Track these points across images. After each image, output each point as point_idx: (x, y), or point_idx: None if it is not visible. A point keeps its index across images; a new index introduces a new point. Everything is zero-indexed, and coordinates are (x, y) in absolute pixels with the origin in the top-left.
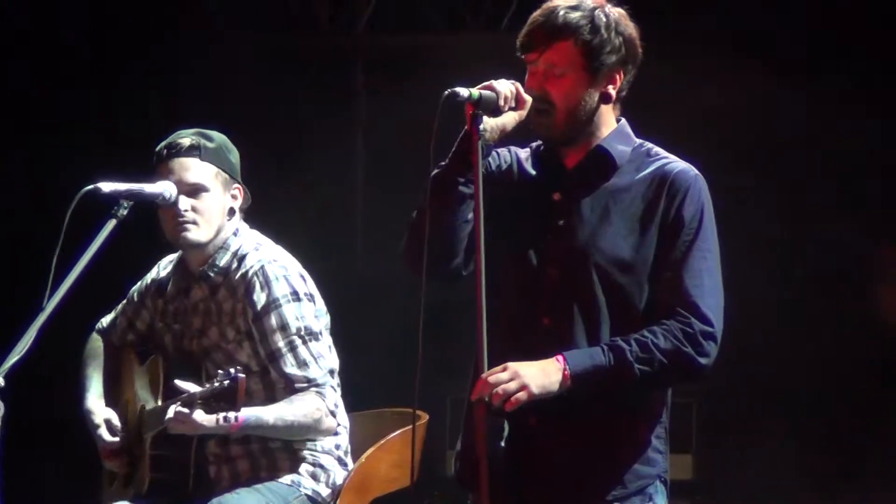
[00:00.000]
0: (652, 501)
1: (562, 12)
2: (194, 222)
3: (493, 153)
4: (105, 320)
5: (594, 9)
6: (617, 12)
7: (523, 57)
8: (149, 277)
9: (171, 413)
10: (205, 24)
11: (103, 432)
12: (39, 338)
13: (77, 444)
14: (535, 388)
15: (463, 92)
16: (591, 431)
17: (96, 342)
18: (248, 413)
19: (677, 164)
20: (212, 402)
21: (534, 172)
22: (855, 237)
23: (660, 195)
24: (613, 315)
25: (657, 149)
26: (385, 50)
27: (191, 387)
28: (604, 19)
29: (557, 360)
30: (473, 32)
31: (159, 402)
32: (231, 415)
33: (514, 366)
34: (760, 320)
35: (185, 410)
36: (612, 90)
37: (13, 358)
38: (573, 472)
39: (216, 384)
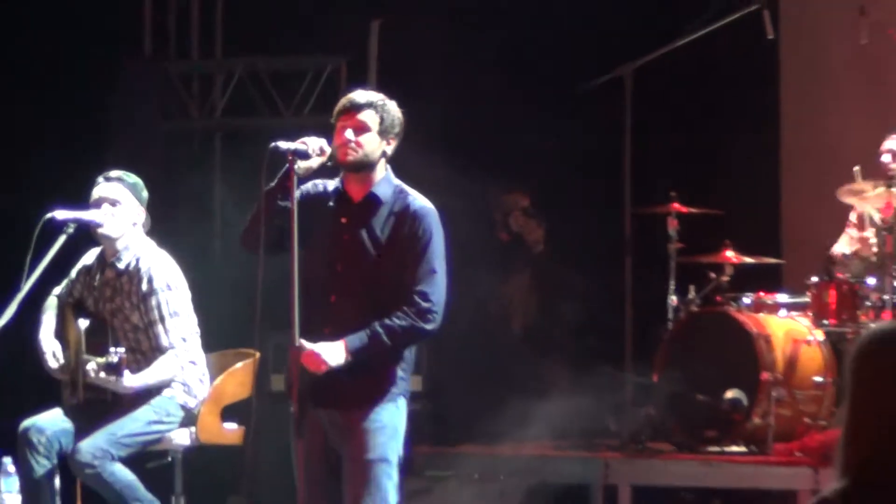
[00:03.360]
0: (397, 407)
1: (368, 93)
2: (112, 223)
3: (314, 184)
4: (58, 288)
5: (381, 98)
6: (388, 101)
7: (337, 120)
8: (80, 263)
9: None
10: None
11: (49, 358)
12: (18, 310)
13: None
14: (333, 364)
15: (283, 145)
16: (361, 368)
17: (52, 300)
18: (137, 382)
19: (419, 201)
20: (108, 370)
21: (332, 201)
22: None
23: (404, 222)
24: (375, 294)
25: (407, 188)
26: (235, 127)
27: (96, 359)
28: (389, 105)
29: (343, 343)
30: (287, 118)
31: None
32: (119, 383)
33: (318, 349)
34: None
35: (94, 374)
36: (388, 150)
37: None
38: (346, 389)
39: (108, 359)
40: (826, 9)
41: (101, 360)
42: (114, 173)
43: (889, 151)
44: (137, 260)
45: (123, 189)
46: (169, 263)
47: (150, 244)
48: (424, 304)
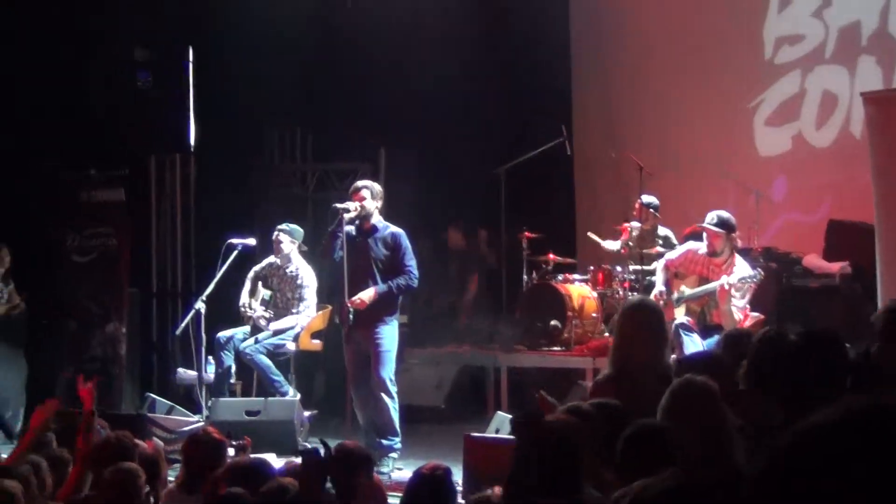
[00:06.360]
0: (392, 326)
1: (364, 181)
2: (283, 250)
3: (350, 227)
4: (256, 267)
5: (371, 183)
6: (375, 184)
7: (351, 195)
8: (267, 261)
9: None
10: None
11: (245, 302)
12: (215, 286)
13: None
14: (367, 300)
15: (339, 205)
16: (375, 307)
17: (252, 273)
18: (278, 326)
19: (394, 228)
20: (273, 318)
21: (356, 233)
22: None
23: (388, 239)
24: (382, 277)
25: (389, 224)
26: (317, 196)
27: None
28: (375, 185)
29: (374, 289)
30: (340, 191)
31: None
32: (268, 324)
33: (360, 294)
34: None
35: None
36: (377, 207)
37: (206, 291)
38: (369, 318)
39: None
40: (591, 139)
41: (265, 315)
42: (284, 226)
43: (639, 202)
44: (297, 269)
45: (286, 235)
46: (310, 272)
47: (303, 261)
48: (413, 274)
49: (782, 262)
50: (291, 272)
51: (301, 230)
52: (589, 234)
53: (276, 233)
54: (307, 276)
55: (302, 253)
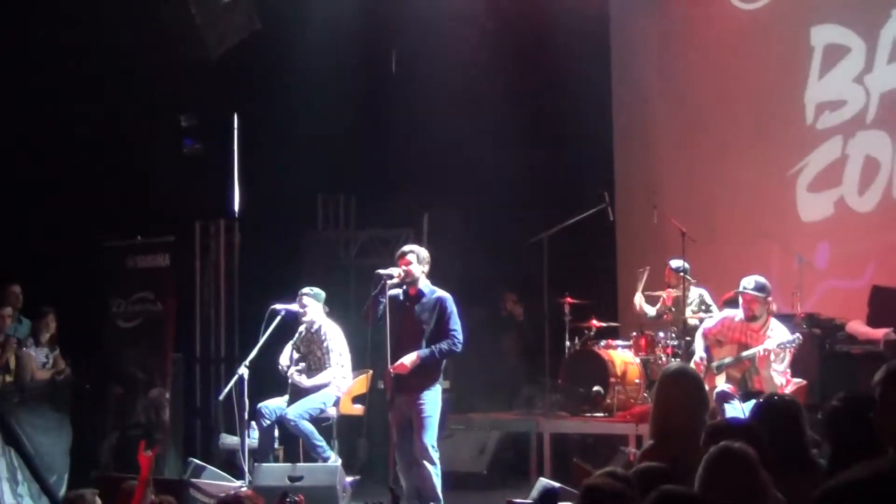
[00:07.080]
0: (435, 391)
1: (411, 246)
2: (308, 312)
3: (397, 291)
4: (293, 339)
5: (418, 248)
6: (422, 249)
7: (397, 259)
8: (301, 326)
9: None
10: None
11: (283, 364)
12: (259, 350)
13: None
14: (409, 364)
15: (382, 271)
16: (418, 372)
17: (289, 344)
18: (309, 384)
19: (440, 293)
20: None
21: (402, 297)
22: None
23: (436, 304)
24: (428, 342)
25: (435, 287)
26: (360, 263)
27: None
28: (421, 250)
29: (416, 353)
30: (384, 257)
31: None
32: (304, 382)
33: (403, 359)
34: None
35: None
36: (423, 272)
37: (249, 357)
38: (412, 383)
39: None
40: (633, 205)
41: (297, 369)
42: (307, 290)
43: (668, 268)
44: (320, 327)
45: (310, 298)
46: (335, 328)
47: (327, 319)
48: (457, 338)
49: (825, 328)
50: (316, 330)
51: (322, 293)
52: (637, 298)
53: (300, 297)
54: (330, 331)
55: (327, 314)
